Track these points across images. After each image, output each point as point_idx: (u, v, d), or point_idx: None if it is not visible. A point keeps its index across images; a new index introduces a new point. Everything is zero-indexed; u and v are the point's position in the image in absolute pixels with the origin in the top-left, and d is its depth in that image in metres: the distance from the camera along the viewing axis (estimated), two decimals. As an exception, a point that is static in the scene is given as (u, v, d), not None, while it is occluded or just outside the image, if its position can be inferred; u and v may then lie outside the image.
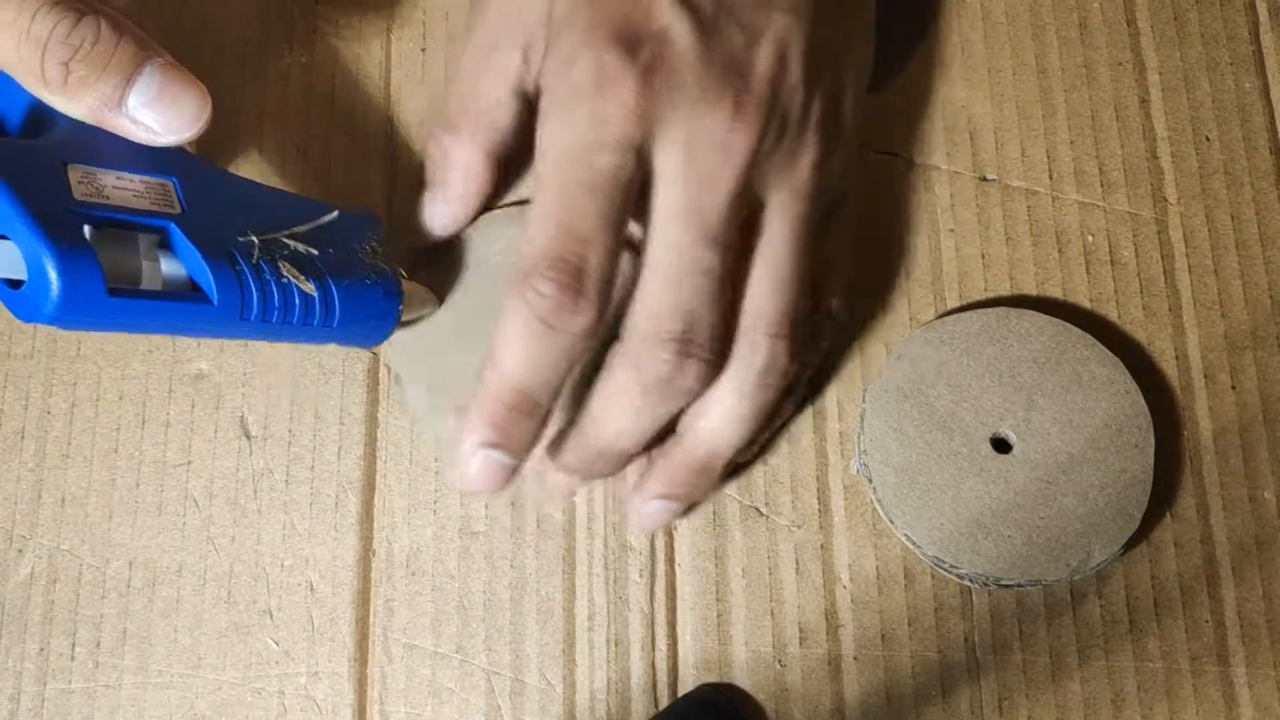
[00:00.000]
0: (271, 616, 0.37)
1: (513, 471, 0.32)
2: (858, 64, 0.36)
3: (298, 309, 0.32)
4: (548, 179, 0.31)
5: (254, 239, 0.32)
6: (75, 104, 0.30)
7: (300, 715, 0.36)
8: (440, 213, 0.37)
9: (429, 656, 0.36)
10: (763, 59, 0.31)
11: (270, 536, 0.38)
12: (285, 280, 0.32)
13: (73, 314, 0.28)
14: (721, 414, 0.33)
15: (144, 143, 0.31)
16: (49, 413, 0.39)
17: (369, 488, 0.38)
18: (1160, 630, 0.36)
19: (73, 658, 0.37)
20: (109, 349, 0.39)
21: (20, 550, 0.38)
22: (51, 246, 0.27)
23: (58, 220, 0.28)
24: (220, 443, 0.39)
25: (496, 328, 0.31)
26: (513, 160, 0.37)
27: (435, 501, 0.38)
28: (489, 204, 0.38)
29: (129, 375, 0.39)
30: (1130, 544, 0.36)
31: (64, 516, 0.38)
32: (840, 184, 0.35)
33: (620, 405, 0.32)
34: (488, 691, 0.36)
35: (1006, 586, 0.36)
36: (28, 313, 0.28)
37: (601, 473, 0.35)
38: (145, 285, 0.30)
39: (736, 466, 0.36)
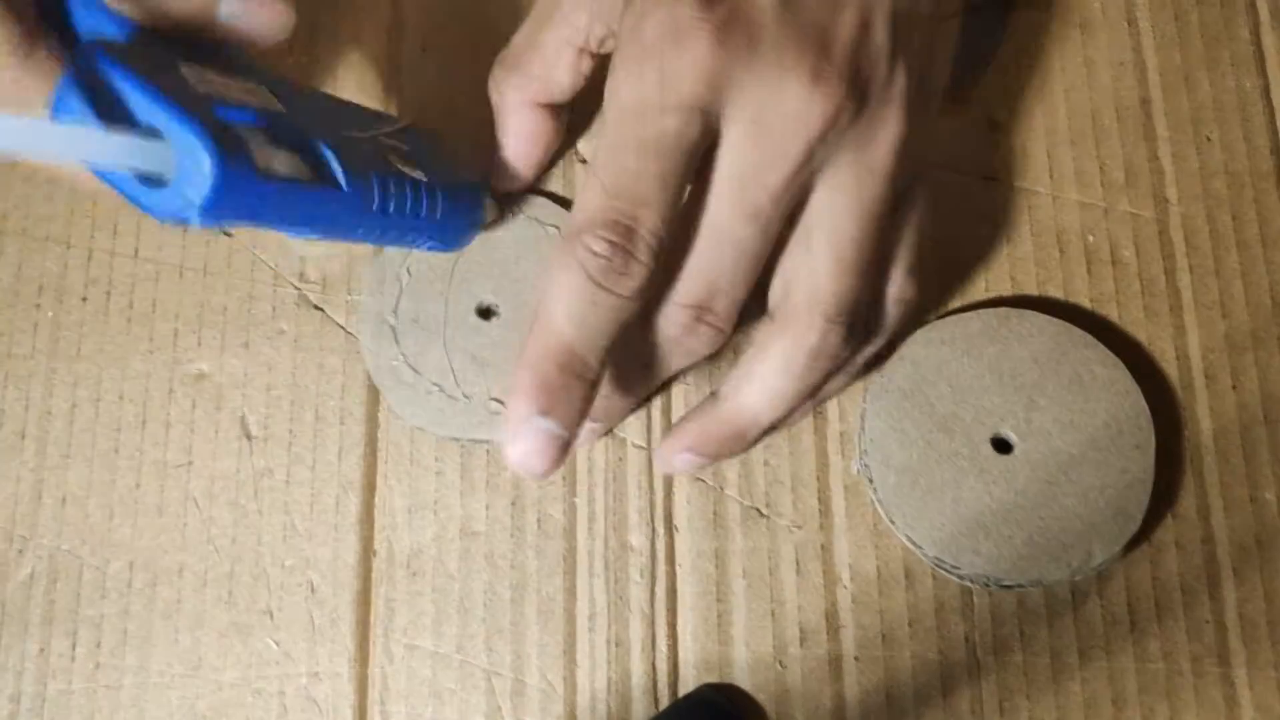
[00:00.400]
0: (272, 617, 0.37)
1: (564, 448, 0.30)
2: (944, 39, 0.34)
3: (410, 198, 0.32)
4: (609, 136, 0.30)
5: (355, 135, 0.32)
6: (173, 7, 0.30)
7: (301, 716, 0.36)
8: (501, 167, 0.37)
9: (429, 657, 0.36)
10: (846, 24, 0.30)
11: (271, 537, 0.38)
12: (399, 170, 0.32)
13: (225, 202, 0.27)
14: (764, 387, 0.33)
15: (235, 44, 0.31)
16: (50, 413, 0.39)
17: (369, 488, 0.38)
18: (1161, 631, 0.36)
19: (73, 658, 0.37)
20: (109, 349, 0.39)
21: (21, 550, 0.38)
22: (206, 135, 0.27)
23: (198, 112, 0.27)
24: (221, 443, 0.39)
25: (546, 284, 0.30)
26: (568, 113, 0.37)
27: (436, 502, 0.38)
28: (553, 149, 0.37)
29: (129, 375, 0.39)
30: (1131, 544, 0.36)
31: (64, 517, 0.38)
32: (915, 166, 0.33)
33: (636, 354, 0.32)
34: (488, 692, 0.36)
35: (1007, 587, 0.36)
36: (173, 209, 0.27)
37: (613, 418, 0.34)
38: (282, 173, 0.29)
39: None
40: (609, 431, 0.38)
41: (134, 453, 0.39)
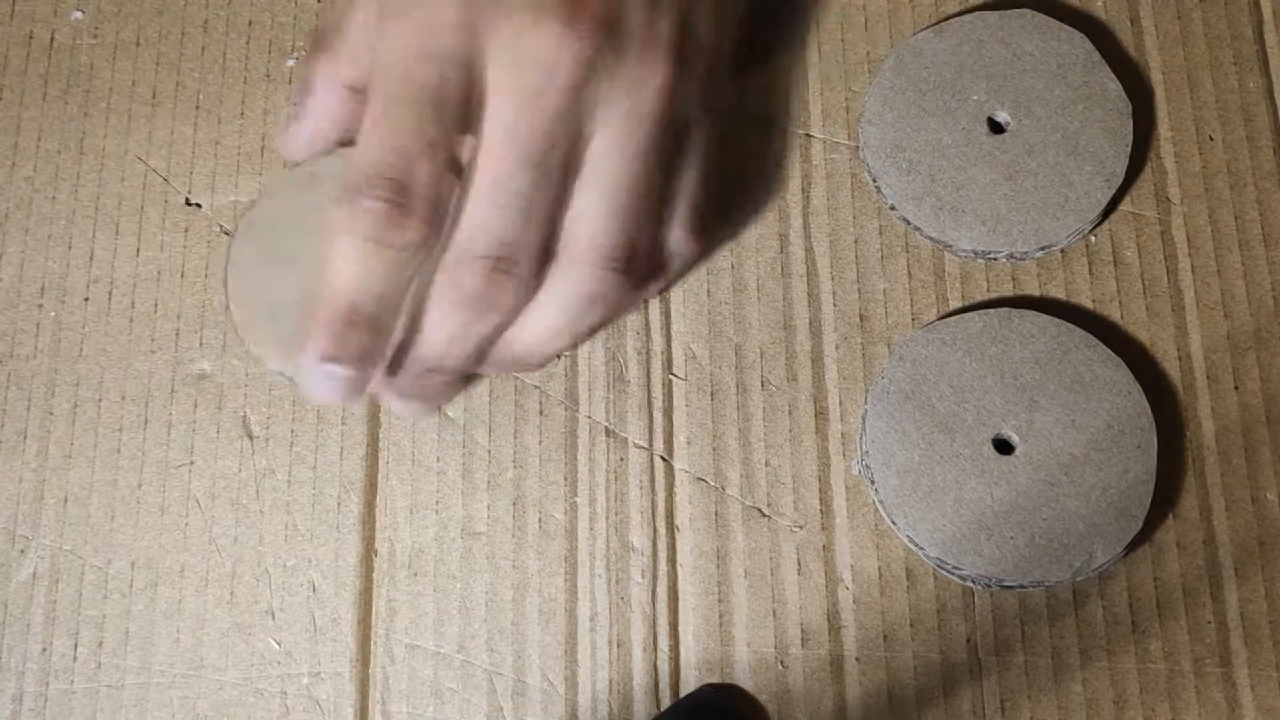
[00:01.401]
0: (274, 617, 0.37)
1: (357, 383, 0.32)
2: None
3: None
4: (375, 93, 0.31)
5: None
6: None
7: (303, 715, 0.36)
8: (293, 135, 0.36)
9: (431, 657, 0.36)
10: None
11: (272, 537, 0.38)
12: None
13: None
14: (537, 327, 0.34)
15: None
16: (52, 413, 0.39)
17: (371, 488, 0.38)
18: (1163, 631, 0.36)
19: (75, 658, 0.37)
20: (111, 349, 0.39)
21: (23, 550, 0.38)
22: None
23: None
24: (223, 443, 0.39)
25: (328, 244, 0.31)
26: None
27: (437, 502, 0.38)
28: (347, 134, 0.37)
29: (131, 376, 0.39)
30: (1133, 545, 0.36)
31: (66, 517, 0.38)
32: (694, 110, 0.34)
33: (437, 320, 0.33)
34: (489, 692, 0.36)
35: (1009, 588, 0.36)
36: None
37: (434, 393, 0.35)
38: None
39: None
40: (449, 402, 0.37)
41: (136, 453, 0.39)
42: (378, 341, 0.32)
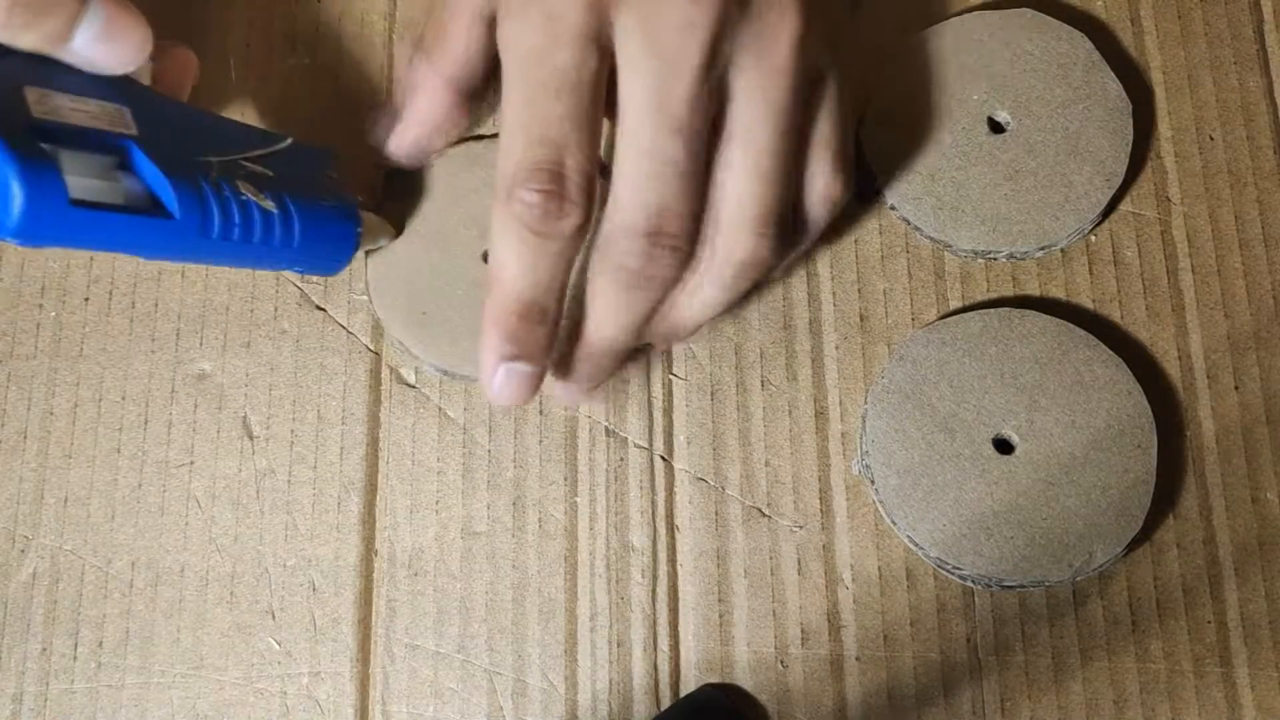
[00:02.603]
0: (274, 617, 0.37)
1: (536, 379, 0.32)
2: None
3: (258, 226, 0.32)
4: (512, 85, 0.31)
5: (211, 159, 0.32)
6: (20, 40, 0.30)
7: (302, 715, 0.36)
8: (404, 138, 0.37)
9: (431, 657, 0.36)
10: None
11: (273, 537, 0.38)
12: (245, 198, 0.32)
13: (36, 226, 0.28)
14: (698, 302, 0.34)
15: (90, 72, 0.32)
16: (52, 413, 0.39)
17: (371, 488, 0.38)
18: (1163, 631, 0.36)
19: (75, 658, 0.37)
20: (112, 349, 0.40)
21: (23, 550, 0.38)
22: (14, 157, 0.27)
23: (18, 134, 0.28)
24: (223, 443, 0.39)
25: (491, 244, 0.31)
26: (483, 90, 0.36)
27: (437, 502, 0.38)
28: (456, 135, 0.37)
29: (131, 375, 0.39)
30: (1133, 545, 0.36)
31: (66, 517, 0.38)
32: (823, 60, 0.34)
33: (604, 303, 0.32)
34: (490, 692, 0.36)
35: (1009, 587, 0.36)
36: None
37: (603, 373, 0.35)
38: (106, 200, 0.30)
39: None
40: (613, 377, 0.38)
41: (136, 452, 0.39)
42: (550, 333, 0.32)
